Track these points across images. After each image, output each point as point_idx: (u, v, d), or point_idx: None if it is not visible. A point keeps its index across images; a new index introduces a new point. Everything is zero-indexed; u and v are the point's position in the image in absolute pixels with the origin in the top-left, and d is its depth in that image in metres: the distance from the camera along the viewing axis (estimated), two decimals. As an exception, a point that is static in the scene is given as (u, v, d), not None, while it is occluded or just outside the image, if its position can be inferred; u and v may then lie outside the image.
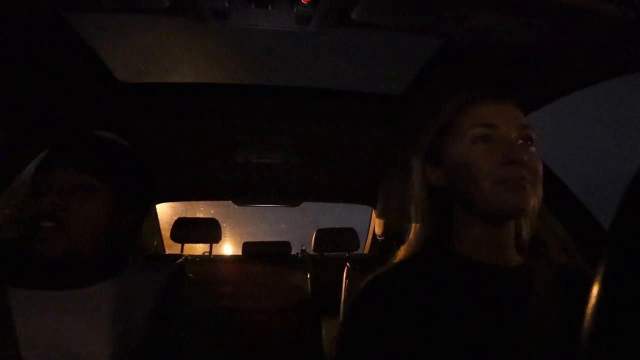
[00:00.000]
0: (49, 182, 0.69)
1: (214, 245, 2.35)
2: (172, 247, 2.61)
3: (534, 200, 0.60)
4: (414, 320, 0.54)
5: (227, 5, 0.78)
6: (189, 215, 2.85)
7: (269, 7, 0.78)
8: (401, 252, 0.70)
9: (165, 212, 2.84)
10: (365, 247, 2.84)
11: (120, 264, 0.75)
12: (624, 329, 0.26)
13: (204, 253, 2.38)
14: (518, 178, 0.58)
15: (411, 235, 0.69)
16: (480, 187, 0.60)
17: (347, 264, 1.27)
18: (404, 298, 0.57)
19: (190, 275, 0.81)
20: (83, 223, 0.68)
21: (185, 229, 2.28)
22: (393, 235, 1.12)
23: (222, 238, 2.35)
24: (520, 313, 0.54)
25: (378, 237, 1.14)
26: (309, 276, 2.03)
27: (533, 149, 0.63)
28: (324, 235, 2.43)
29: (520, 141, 0.62)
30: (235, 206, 2.73)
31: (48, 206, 0.66)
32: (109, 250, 0.75)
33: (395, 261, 0.68)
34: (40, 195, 0.68)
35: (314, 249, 2.45)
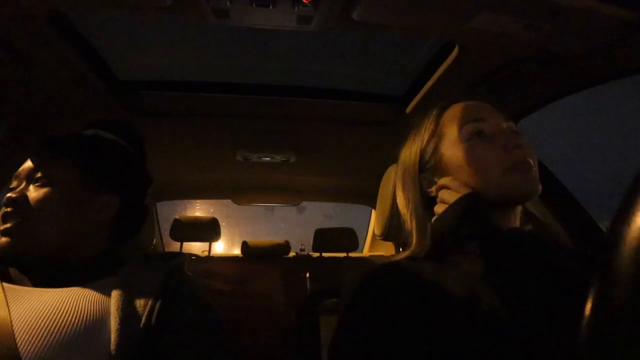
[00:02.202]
0: (16, 180, 0.73)
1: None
2: (169, 247, 2.62)
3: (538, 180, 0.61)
4: (412, 313, 0.54)
5: (228, 4, 0.78)
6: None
7: (270, 7, 0.79)
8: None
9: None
10: (365, 247, 2.84)
11: (117, 262, 0.75)
12: (622, 333, 0.26)
13: (202, 252, 2.38)
14: (526, 161, 0.60)
15: (413, 247, 0.69)
16: (490, 178, 0.60)
17: (346, 264, 1.27)
18: (403, 291, 0.56)
19: (189, 273, 0.81)
20: (43, 214, 0.69)
21: (184, 228, 2.28)
22: (392, 235, 1.12)
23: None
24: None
25: (377, 238, 1.14)
26: (307, 276, 2.03)
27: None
28: (323, 236, 2.43)
29: (513, 132, 0.63)
30: (235, 205, 2.73)
31: (9, 203, 0.69)
32: (96, 244, 0.75)
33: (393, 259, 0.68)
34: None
35: (313, 249, 2.45)
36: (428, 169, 0.68)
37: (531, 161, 0.60)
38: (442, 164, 0.66)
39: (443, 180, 0.65)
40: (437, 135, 0.68)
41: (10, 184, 0.74)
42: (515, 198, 0.62)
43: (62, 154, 0.75)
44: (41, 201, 0.70)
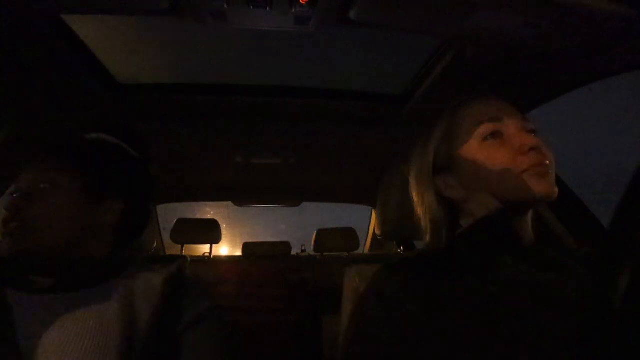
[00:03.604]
0: (17, 185, 0.73)
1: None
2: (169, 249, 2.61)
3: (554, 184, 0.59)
4: (421, 314, 0.53)
5: (225, 6, 0.78)
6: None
7: (268, 8, 0.79)
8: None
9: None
10: (366, 247, 2.85)
11: (120, 265, 0.75)
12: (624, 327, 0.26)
13: (204, 254, 2.38)
14: (543, 163, 0.58)
15: (426, 245, 0.68)
16: (507, 181, 0.59)
17: (348, 264, 1.27)
18: (410, 292, 0.56)
19: (191, 275, 0.81)
20: (45, 218, 0.69)
21: (185, 230, 2.28)
22: (393, 235, 1.12)
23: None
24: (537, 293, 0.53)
25: (378, 237, 1.14)
26: (309, 276, 2.03)
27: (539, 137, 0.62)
28: (324, 236, 2.43)
29: (532, 132, 0.62)
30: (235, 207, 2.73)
31: (12, 207, 0.69)
32: (99, 247, 0.75)
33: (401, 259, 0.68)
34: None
35: (314, 249, 2.45)
36: (443, 170, 0.66)
37: (548, 163, 0.59)
38: (457, 165, 0.64)
39: (471, 193, 0.64)
40: (451, 134, 0.66)
41: (12, 187, 0.74)
42: (531, 202, 0.60)
43: (66, 160, 0.75)
44: (43, 206, 0.70)
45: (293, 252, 2.57)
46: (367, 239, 2.87)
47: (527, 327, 0.49)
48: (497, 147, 0.60)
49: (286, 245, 2.49)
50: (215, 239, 2.30)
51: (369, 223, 2.91)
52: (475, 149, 0.62)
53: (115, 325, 0.63)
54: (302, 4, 0.77)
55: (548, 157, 0.59)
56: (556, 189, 0.59)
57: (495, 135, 0.61)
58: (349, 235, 2.39)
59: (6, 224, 0.69)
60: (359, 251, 2.59)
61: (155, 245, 2.49)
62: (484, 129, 0.62)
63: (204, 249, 2.39)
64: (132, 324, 0.63)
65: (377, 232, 1.11)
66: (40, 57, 0.98)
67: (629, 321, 0.27)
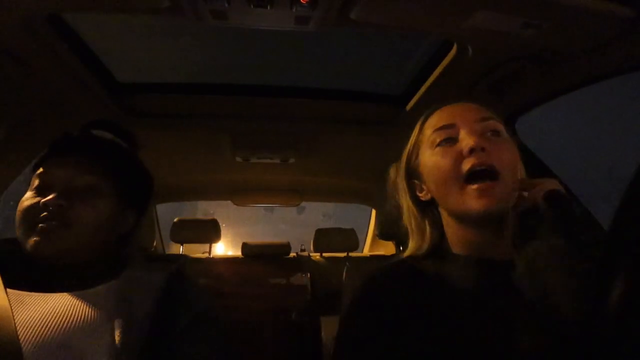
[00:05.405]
0: (51, 181, 0.69)
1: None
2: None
3: (507, 194, 0.56)
4: (411, 314, 0.54)
5: (225, 5, 0.78)
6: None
7: (268, 7, 0.79)
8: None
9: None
10: (365, 247, 2.84)
11: (121, 265, 0.75)
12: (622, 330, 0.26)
13: (203, 253, 2.38)
14: (483, 163, 0.56)
15: (409, 248, 0.69)
16: (449, 191, 0.59)
17: (347, 263, 1.27)
18: (401, 293, 0.57)
19: (190, 275, 0.81)
20: (88, 223, 0.68)
21: (184, 230, 2.28)
22: (392, 235, 1.12)
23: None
24: (512, 304, 0.53)
25: (378, 237, 1.14)
26: (308, 276, 2.04)
27: (500, 138, 0.61)
28: (323, 236, 2.43)
29: (488, 133, 0.61)
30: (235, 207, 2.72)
31: (53, 206, 0.65)
32: (110, 251, 0.75)
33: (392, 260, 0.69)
34: (41, 194, 0.67)
35: (314, 249, 2.44)
36: (414, 175, 0.70)
37: (491, 164, 0.56)
38: (420, 171, 0.67)
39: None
40: (418, 142, 0.69)
41: (35, 182, 0.69)
42: (470, 218, 0.58)
43: (106, 165, 0.73)
44: (87, 209, 0.68)
45: (292, 252, 2.57)
46: (366, 239, 2.87)
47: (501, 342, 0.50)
48: (443, 153, 0.61)
49: (285, 245, 2.49)
50: (214, 238, 2.30)
51: (369, 223, 2.91)
52: (429, 156, 0.64)
53: (114, 324, 0.62)
54: (302, 3, 0.77)
55: (493, 158, 0.56)
56: (496, 205, 0.55)
57: (448, 141, 0.61)
58: (348, 236, 2.39)
59: (44, 220, 0.65)
60: (359, 251, 2.58)
61: (155, 244, 2.49)
62: (436, 135, 0.63)
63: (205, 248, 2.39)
64: (130, 323, 0.63)
65: (377, 232, 1.11)
66: (41, 56, 0.98)
67: (626, 322, 0.27)
